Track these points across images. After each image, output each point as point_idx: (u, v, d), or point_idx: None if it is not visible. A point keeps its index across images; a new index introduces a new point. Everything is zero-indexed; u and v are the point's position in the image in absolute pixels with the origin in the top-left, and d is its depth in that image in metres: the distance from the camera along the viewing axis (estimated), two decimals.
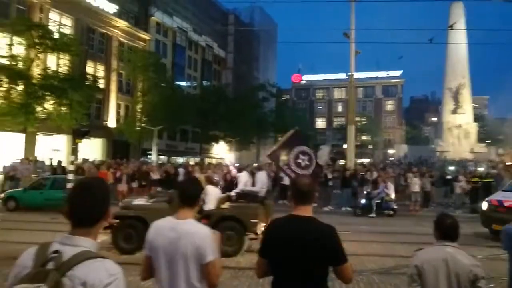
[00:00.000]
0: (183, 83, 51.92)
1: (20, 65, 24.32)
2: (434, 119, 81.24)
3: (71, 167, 15.96)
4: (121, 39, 41.54)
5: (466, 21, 42.73)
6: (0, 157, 24.23)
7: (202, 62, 60.27)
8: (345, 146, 31.36)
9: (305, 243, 2.43)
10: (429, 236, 3.23)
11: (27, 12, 30.88)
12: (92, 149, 32.76)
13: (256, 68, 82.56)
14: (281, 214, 2.68)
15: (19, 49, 24.83)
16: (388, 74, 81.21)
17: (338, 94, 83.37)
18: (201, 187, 2.80)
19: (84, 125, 25.49)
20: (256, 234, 8.84)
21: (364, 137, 65.72)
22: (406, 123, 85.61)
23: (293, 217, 2.56)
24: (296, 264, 2.44)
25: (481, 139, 47.96)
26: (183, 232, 2.44)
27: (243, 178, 10.59)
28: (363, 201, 16.70)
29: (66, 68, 26.79)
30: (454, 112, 43.28)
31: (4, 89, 23.74)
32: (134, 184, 18.80)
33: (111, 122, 39.75)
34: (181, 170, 20.52)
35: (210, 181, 9.71)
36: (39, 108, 24.44)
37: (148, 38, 45.61)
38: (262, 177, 10.30)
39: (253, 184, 10.57)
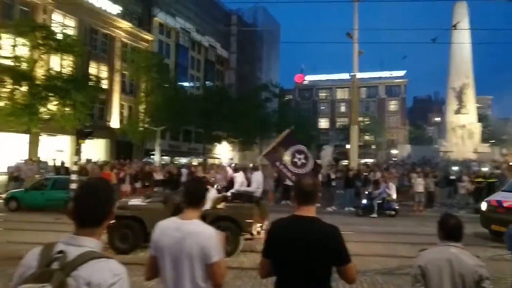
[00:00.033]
0: (186, 84, 52.04)
1: (24, 66, 24.43)
2: (438, 119, 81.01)
3: (75, 168, 16.01)
4: (124, 39, 41.66)
5: (470, 21, 42.57)
6: (4, 157, 24.36)
7: (205, 63, 60.36)
8: (348, 146, 31.34)
9: (309, 243, 2.43)
10: (432, 236, 3.23)
11: (31, 13, 31.03)
12: (95, 150, 32.87)
13: (259, 69, 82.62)
14: (284, 215, 2.67)
15: (23, 50, 24.93)
16: (391, 74, 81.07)
17: (341, 94, 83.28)
18: (206, 187, 2.80)
19: (87, 125, 25.55)
20: (252, 234, 8.87)
21: (367, 137, 65.58)
22: (409, 123, 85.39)
23: (296, 217, 2.56)
24: (300, 264, 2.44)
25: (485, 139, 47.69)
26: (188, 232, 2.44)
27: (239, 179, 10.62)
28: (364, 201, 16.63)
29: (70, 69, 26.88)
30: (458, 112, 43.08)
31: (8, 90, 23.85)
32: (138, 185, 18.85)
33: (114, 122, 39.86)
34: (184, 171, 20.55)
35: (207, 182, 9.75)
36: (42, 109, 24.53)
37: (151, 38, 45.72)
38: (257, 177, 10.32)
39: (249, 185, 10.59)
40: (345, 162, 28.96)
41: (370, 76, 77.21)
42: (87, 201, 1.71)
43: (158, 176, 19.44)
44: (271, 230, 2.62)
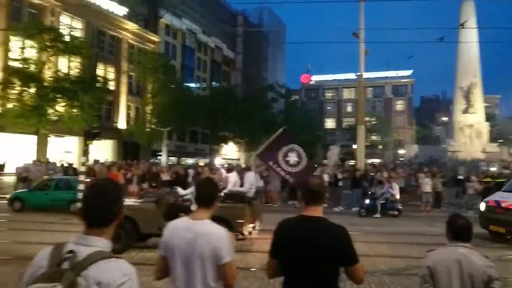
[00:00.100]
0: (192, 85, 52.19)
1: (32, 68, 24.67)
2: (445, 118, 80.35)
3: (83, 169, 16.12)
4: (131, 41, 41.90)
5: (477, 20, 42.26)
6: (13, 158, 24.59)
7: (211, 64, 60.49)
8: (354, 146, 31.22)
9: (316, 243, 2.42)
10: (438, 236, 3.21)
11: (39, 15, 31.32)
12: (102, 151, 33.08)
13: (265, 69, 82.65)
14: (290, 215, 2.67)
15: (31, 52, 25.19)
16: (397, 74, 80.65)
17: (347, 94, 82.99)
18: (218, 187, 2.79)
19: (94, 126, 25.73)
20: (243, 234, 8.87)
21: (374, 137, 65.25)
22: (416, 123, 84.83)
23: (303, 217, 2.55)
24: (307, 264, 2.43)
25: (493, 138, 47.31)
26: (200, 233, 2.44)
27: (232, 179, 10.63)
28: (367, 201, 16.48)
29: (77, 70, 27.11)
30: (466, 111, 42.76)
31: (16, 91, 24.12)
32: (145, 185, 18.93)
33: (121, 123, 40.09)
34: (190, 171, 20.60)
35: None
36: (50, 110, 24.75)
37: (158, 40, 45.92)
38: (250, 178, 10.33)
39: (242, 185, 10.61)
40: (351, 162, 28.85)
41: (376, 76, 76.85)
42: (95, 202, 1.72)
43: (165, 176, 19.48)
44: (278, 230, 2.61)
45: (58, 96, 24.77)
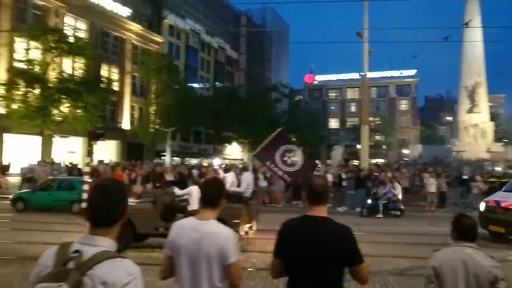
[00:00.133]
0: (196, 85, 52.27)
1: (37, 69, 24.82)
2: (450, 118, 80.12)
3: (87, 169, 16.17)
4: (135, 42, 42.04)
5: (482, 19, 42.03)
6: (18, 159, 24.74)
7: (214, 64, 60.57)
8: (358, 146, 31.14)
9: (321, 244, 2.41)
10: (441, 236, 3.19)
11: (43, 17, 31.48)
12: (107, 151, 33.20)
13: (269, 69, 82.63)
14: (294, 215, 2.67)
15: (36, 54, 25.33)
16: (401, 74, 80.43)
17: (351, 94, 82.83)
18: (224, 188, 2.80)
19: (99, 127, 25.81)
20: (239, 234, 8.89)
21: (378, 137, 65.08)
22: (420, 122, 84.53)
23: (307, 217, 2.54)
24: (311, 264, 2.42)
25: (498, 138, 47.00)
26: (206, 233, 2.45)
27: (230, 179, 10.66)
28: (369, 201, 16.40)
29: (81, 71, 27.24)
30: (470, 111, 42.53)
31: (21, 92, 24.26)
32: (149, 185, 18.98)
33: (125, 124, 40.23)
34: (194, 172, 20.63)
35: (195, 182, 9.90)
36: (55, 111, 24.88)
37: (161, 40, 46.04)
38: (247, 178, 10.32)
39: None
40: (355, 162, 28.78)
41: (380, 75, 76.69)
42: (99, 202, 1.73)
43: (169, 177, 19.52)
44: (282, 231, 2.60)
45: (62, 97, 24.90)
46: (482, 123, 42.26)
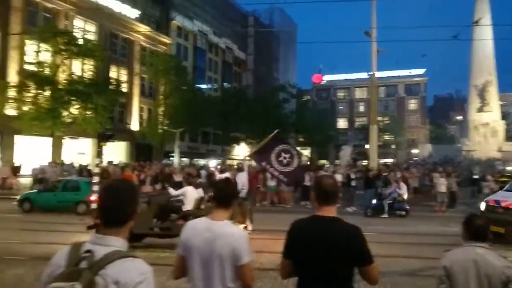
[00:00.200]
0: (204, 86, 52.43)
1: (47, 71, 25.08)
2: (460, 117, 79.39)
3: (97, 170, 16.30)
4: (143, 43, 42.30)
5: (492, 16, 41.58)
6: (29, 160, 25.03)
7: (222, 64, 60.69)
8: (367, 146, 30.98)
9: (330, 244, 2.41)
10: (450, 236, 3.16)
11: (53, 19, 31.83)
12: (116, 152, 33.42)
13: (276, 69, 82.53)
14: (303, 216, 2.66)
15: (46, 56, 25.60)
16: (410, 73, 79.84)
17: (359, 93, 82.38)
18: (236, 188, 2.80)
19: (108, 128, 26.02)
20: None
21: (386, 137, 64.66)
22: (430, 122, 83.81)
23: (317, 217, 2.54)
24: (321, 265, 2.42)
25: (509, 137, 46.47)
26: (219, 233, 2.46)
27: None
28: (374, 201, 16.23)
29: (91, 73, 27.46)
30: (481, 110, 42.11)
31: (32, 94, 24.54)
32: (158, 186, 19.07)
33: (134, 125, 40.47)
34: (203, 172, 20.70)
35: (189, 182, 9.92)
36: (65, 113, 25.12)
37: (169, 42, 46.26)
38: (242, 178, 10.32)
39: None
40: (364, 162, 28.64)
41: (389, 75, 76.12)
42: (108, 203, 1.75)
43: (178, 177, 19.59)
44: (292, 231, 2.59)
45: (72, 98, 25.13)
46: (493, 122, 41.81)
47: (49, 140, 26.16)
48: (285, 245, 2.60)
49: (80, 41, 26.95)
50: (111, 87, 28.92)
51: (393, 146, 66.89)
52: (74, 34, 28.22)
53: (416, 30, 62.19)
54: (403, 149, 66.71)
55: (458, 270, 2.69)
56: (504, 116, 49.66)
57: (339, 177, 17.49)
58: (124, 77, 39.07)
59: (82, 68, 28.12)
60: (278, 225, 9.55)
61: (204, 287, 2.45)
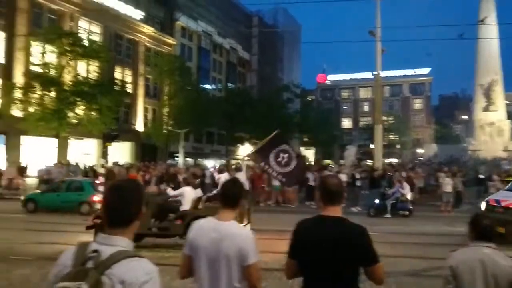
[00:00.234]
0: (208, 86, 52.49)
1: (52, 72, 25.24)
2: (465, 117, 78.81)
3: (102, 171, 16.37)
4: (148, 44, 42.42)
5: (497, 15, 41.30)
6: (35, 161, 25.17)
7: (226, 65, 60.73)
8: (372, 146, 30.89)
9: (336, 244, 2.40)
10: (456, 237, 3.14)
11: (58, 21, 32.01)
12: (121, 153, 33.57)
13: (281, 69, 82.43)
14: (308, 216, 2.66)
15: (51, 57, 25.76)
16: (415, 72, 79.49)
17: (364, 93, 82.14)
18: (243, 188, 2.80)
19: (113, 129, 26.15)
20: None
21: (391, 137, 64.42)
22: (435, 121, 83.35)
23: (322, 217, 2.53)
24: (326, 265, 2.41)
25: None
26: (226, 234, 2.46)
27: (223, 179, 10.74)
28: (377, 201, 16.18)
29: (96, 74, 27.59)
30: (486, 109, 41.81)
31: (37, 95, 24.70)
32: (163, 186, 19.10)
33: (139, 125, 40.61)
34: (208, 173, 20.73)
35: (187, 183, 9.92)
36: (70, 114, 25.26)
37: (174, 42, 46.37)
38: (240, 178, 10.34)
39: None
40: (369, 162, 28.56)
41: (393, 74, 75.89)
42: (113, 203, 1.76)
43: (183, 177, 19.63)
44: (297, 231, 2.59)
45: (77, 99, 25.27)
46: (499, 121, 41.52)
47: (55, 140, 26.32)
48: (290, 245, 2.60)
49: (85, 43, 27.08)
50: (116, 88, 29.06)
51: (398, 146, 66.61)
52: (79, 35, 28.40)
53: (421, 29, 61.98)
54: (408, 149, 66.41)
55: (464, 270, 2.68)
56: (510, 115, 49.26)
57: (344, 177, 17.43)
58: (128, 78, 39.23)
59: (87, 69, 28.26)
60: (283, 225, 9.56)
61: (211, 287, 2.45)
